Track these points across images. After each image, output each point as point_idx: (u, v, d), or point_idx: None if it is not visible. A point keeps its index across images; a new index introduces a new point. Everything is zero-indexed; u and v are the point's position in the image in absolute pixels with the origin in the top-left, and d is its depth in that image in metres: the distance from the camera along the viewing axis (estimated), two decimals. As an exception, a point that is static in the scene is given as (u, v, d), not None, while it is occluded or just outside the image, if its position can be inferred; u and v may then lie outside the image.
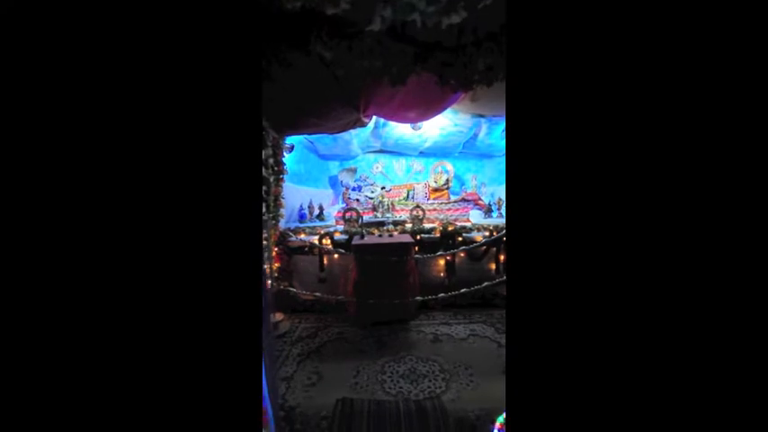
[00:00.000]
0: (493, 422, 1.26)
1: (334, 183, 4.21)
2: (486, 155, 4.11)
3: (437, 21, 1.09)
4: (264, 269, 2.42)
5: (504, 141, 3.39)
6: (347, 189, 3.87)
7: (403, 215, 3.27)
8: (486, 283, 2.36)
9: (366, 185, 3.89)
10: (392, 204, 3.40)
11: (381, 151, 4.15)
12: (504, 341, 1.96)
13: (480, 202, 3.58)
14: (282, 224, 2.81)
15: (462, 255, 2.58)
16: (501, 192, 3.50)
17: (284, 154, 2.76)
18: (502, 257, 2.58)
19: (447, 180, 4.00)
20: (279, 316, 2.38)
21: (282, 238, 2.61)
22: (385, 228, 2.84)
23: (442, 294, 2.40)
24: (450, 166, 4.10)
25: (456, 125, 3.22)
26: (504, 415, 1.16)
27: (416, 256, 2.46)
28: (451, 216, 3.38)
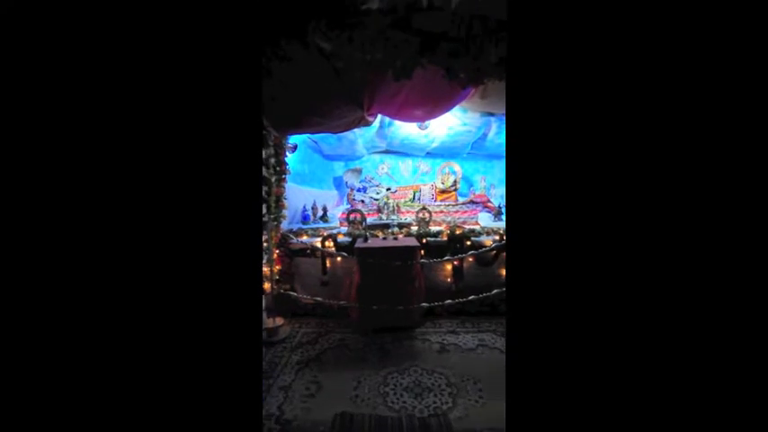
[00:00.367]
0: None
1: (338, 183, 4.15)
2: (495, 155, 3.97)
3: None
4: (264, 271, 2.36)
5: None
6: (352, 190, 3.80)
7: (409, 217, 3.17)
8: (495, 290, 2.24)
9: (371, 186, 3.80)
10: (398, 206, 3.30)
11: (387, 152, 4.06)
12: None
13: (489, 204, 3.45)
14: (285, 225, 2.75)
15: (471, 259, 2.47)
16: (511, 193, 3.36)
17: (287, 154, 2.70)
18: (512, 263, 2.45)
19: (455, 181, 3.89)
20: (279, 320, 2.31)
21: (284, 240, 2.54)
22: (390, 230, 2.74)
23: (449, 301, 2.29)
24: (457, 167, 3.98)
25: (465, 124, 3.11)
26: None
27: (422, 260, 2.36)
28: (459, 219, 3.26)
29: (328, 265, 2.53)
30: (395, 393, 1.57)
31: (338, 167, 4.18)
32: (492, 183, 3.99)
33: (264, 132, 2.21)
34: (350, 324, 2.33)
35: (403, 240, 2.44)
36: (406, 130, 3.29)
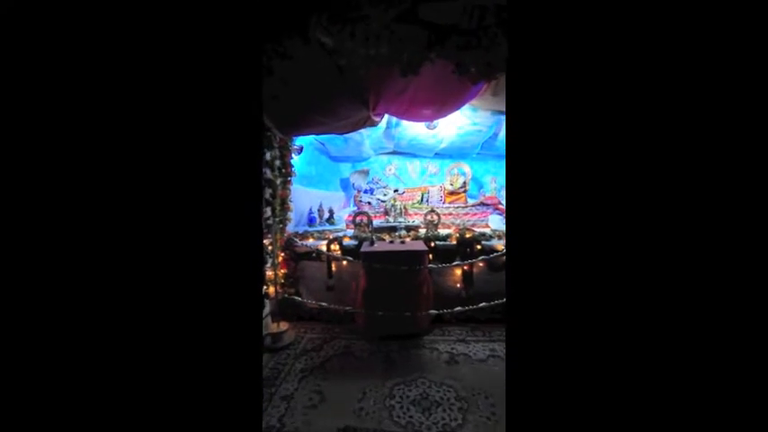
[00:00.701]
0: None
1: (345, 185, 4.10)
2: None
3: None
4: (268, 275, 2.32)
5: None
6: (359, 192, 3.74)
7: (416, 220, 3.09)
8: (507, 297, 2.12)
9: (378, 188, 3.74)
10: (405, 208, 3.22)
11: (394, 152, 4.00)
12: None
13: (500, 206, 3.33)
14: (291, 228, 2.71)
15: (481, 264, 2.36)
16: (523, 195, 3.23)
17: (293, 156, 2.66)
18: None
19: (464, 183, 3.78)
20: (284, 325, 2.26)
21: (289, 243, 2.50)
22: (397, 233, 2.67)
23: (459, 308, 2.19)
24: (467, 168, 3.88)
25: (474, 124, 3.00)
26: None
27: (430, 265, 2.27)
28: (469, 221, 3.15)
29: (334, 268, 2.48)
30: (401, 407, 1.49)
31: (345, 169, 4.14)
32: (503, 184, 3.87)
33: (269, 134, 2.17)
34: (356, 330, 2.26)
35: (410, 244, 2.36)
36: (413, 130, 3.21)
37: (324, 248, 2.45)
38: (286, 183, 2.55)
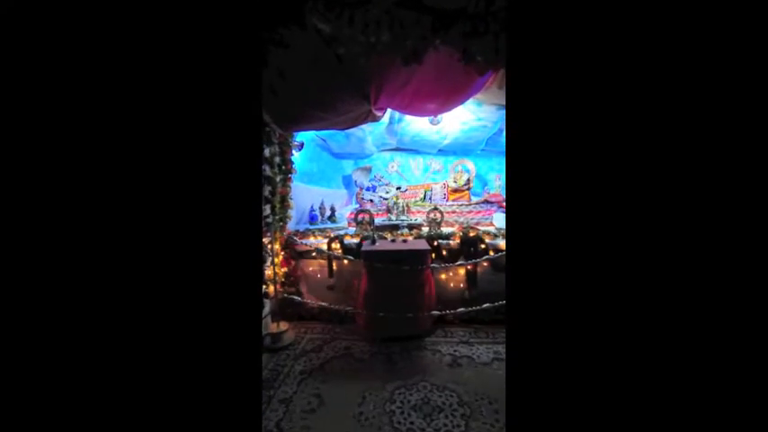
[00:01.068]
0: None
1: (347, 182, 4.04)
2: (511, 152, 3.75)
3: None
4: (268, 274, 2.28)
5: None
6: (361, 189, 3.68)
7: (419, 218, 3.03)
8: (513, 298, 2.06)
9: (381, 185, 3.67)
10: (407, 206, 3.16)
11: (397, 149, 3.93)
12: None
13: (505, 204, 3.25)
14: (292, 226, 2.66)
15: (485, 264, 2.30)
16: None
17: (293, 152, 2.60)
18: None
19: (468, 180, 3.70)
20: (284, 325, 2.22)
21: (289, 242, 2.45)
22: (399, 232, 2.61)
23: (462, 309, 2.13)
24: (471, 165, 3.80)
25: (479, 119, 2.92)
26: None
27: (433, 264, 2.21)
28: (472, 219, 3.08)
29: (335, 267, 2.43)
30: (402, 412, 1.44)
31: (347, 166, 4.08)
32: (508, 181, 3.78)
33: (267, 129, 2.11)
34: (357, 330, 2.21)
35: (412, 243, 2.30)
36: (417, 125, 3.13)
37: (324, 247, 2.40)
38: (286, 180, 2.50)
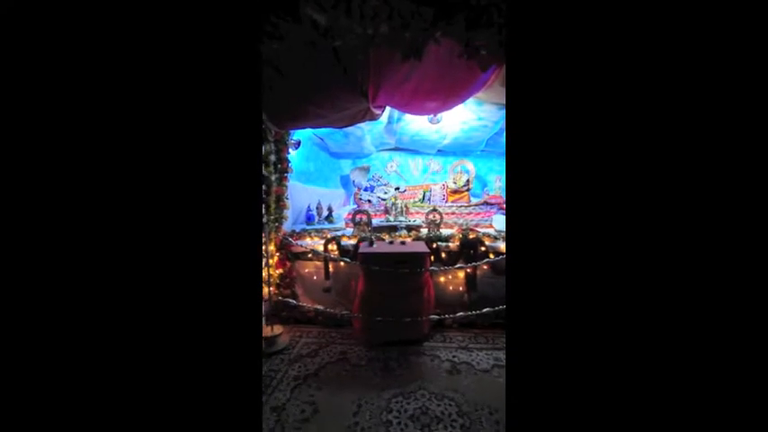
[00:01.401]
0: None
1: (345, 182, 3.99)
2: (512, 153, 3.70)
3: None
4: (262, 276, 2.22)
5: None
6: (359, 189, 3.62)
7: (418, 219, 2.97)
8: (513, 303, 2.00)
9: (379, 185, 3.62)
10: (406, 207, 3.10)
11: (396, 149, 3.87)
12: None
13: (505, 206, 3.20)
14: (289, 226, 2.60)
15: (485, 267, 2.24)
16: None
17: (289, 150, 2.54)
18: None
19: (467, 181, 3.65)
20: (278, 329, 2.16)
21: (284, 243, 2.39)
22: (397, 233, 2.55)
23: (461, 313, 2.08)
24: (471, 166, 3.75)
25: (480, 118, 2.87)
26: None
27: (432, 267, 2.16)
28: (472, 221, 3.03)
29: (332, 269, 2.37)
30: (398, 423, 1.38)
31: (345, 165, 4.02)
32: (508, 182, 3.74)
33: (263, 127, 2.05)
34: (353, 334, 2.15)
35: (411, 245, 2.24)
36: (416, 125, 3.08)
37: (320, 249, 2.34)
38: (282, 179, 2.44)
